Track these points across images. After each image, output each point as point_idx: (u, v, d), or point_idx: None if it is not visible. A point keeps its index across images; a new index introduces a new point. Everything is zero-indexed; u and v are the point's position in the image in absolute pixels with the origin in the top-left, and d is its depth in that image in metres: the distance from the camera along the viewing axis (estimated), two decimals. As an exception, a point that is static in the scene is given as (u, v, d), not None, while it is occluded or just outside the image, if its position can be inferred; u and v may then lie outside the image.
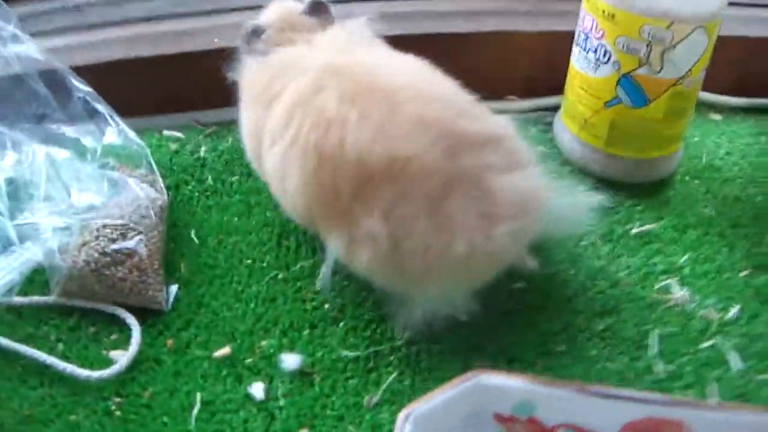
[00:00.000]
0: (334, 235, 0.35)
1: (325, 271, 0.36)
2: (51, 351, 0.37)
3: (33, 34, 0.48)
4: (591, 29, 0.44)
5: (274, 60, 0.40)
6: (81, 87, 0.47)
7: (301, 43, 0.41)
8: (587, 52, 0.45)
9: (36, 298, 0.39)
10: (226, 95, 0.43)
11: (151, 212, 0.41)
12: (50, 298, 0.39)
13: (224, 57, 0.44)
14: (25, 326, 0.38)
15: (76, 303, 0.39)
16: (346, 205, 0.34)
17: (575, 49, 0.47)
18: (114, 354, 0.36)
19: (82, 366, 0.35)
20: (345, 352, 0.36)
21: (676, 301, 0.39)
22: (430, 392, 0.28)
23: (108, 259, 0.38)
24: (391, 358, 0.36)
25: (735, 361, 0.36)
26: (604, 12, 0.43)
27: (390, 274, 0.35)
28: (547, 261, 0.42)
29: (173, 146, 0.50)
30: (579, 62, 0.46)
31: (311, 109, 0.35)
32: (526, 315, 0.39)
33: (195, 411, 0.34)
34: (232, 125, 0.48)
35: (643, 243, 0.44)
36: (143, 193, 0.43)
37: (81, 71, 0.47)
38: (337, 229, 0.35)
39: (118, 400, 0.34)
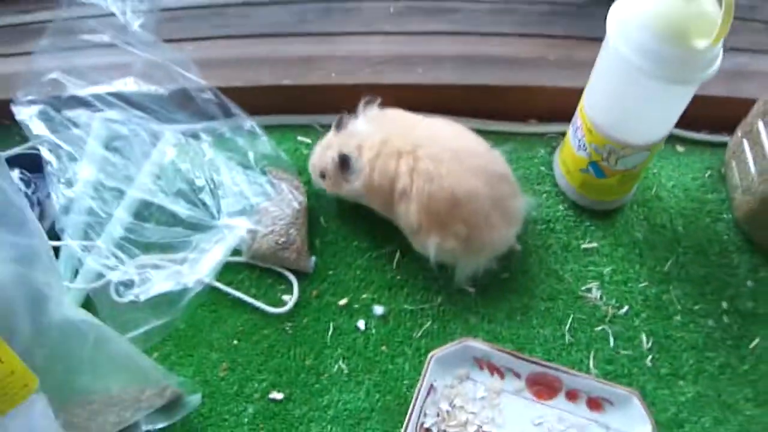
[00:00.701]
0: (433, 235, 0.71)
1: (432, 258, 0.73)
2: (247, 292, 0.77)
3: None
4: (579, 127, 0.76)
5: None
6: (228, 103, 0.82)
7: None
8: (575, 137, 0.77)
9: (237, 258, 0.79)
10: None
11: (300, 210, 0.79)
12: (244, 259, 0.79)
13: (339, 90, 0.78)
14: (230, 274, 0.78)
15: (260, 264, 0.79)
16: (443, 218, 0.70)
17: (571, 127, 0.79)
18: (285, 297, 0.77)
19: (268, 304, 0.77)
20: (406, 306, 0.77)
21: (592, 298, 0.78)
22: (444, 345, 0.70)
23: (279, 246, 0.77)
24: (429, 312, 0.76)
25: (611, 341, 0.76)
26: (586, 123, 0.74)
27: (461, 253, 0.72)
28: (524, 262, 0.81)
29: (305, 151, 0.86)
30: (571, 137, 0.79)
31: (422, 172, 0.70)
32: (505, 295, 0.77)
33: (329, 333, 0.75)
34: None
35: (586, 254, 0.81)
36: (292, 195, 0.80)
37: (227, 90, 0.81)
38: (435, 232, 0.71)
39: (289, 324, 0.75)
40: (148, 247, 0.76)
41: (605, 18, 0.68)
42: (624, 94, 0.68)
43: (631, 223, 0.83)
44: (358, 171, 0.73)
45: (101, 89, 0.83)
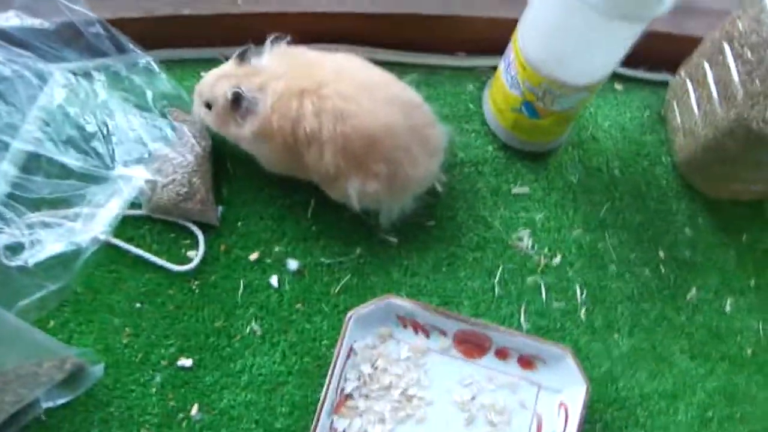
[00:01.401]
0: (352, 179, 0.64)
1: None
2: (149, 249, 0.69)
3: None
4: (512, 62, 0.69)
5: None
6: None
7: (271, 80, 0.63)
8: (508, 72, 0.70)
9: (136, 211, 0.70)
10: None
11: (204, 156, 0.71)
12: (143, 212, 0.71)
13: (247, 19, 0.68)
14: (128, 230, 0.69)
15: (161, 217, 0.71)
16: (361, 159, 0.63)
17: (502, 62, 0.72)
18: (190, 253, 0.69)
19: (172, 261, 0.69)
20: (323, 259, 0.70)
21: (522, 247, 0.73)
22: (365, 303, 0.64)
23: (181, 197, 0.68)
24: (347, 265, 0.70)
25: (543, 293, 0.72)
26: (519, 59, 0.67)
27: (385, 195, 0.66)
28: (450, 208, 0.74)
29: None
30: (503, 73, 0.72)
31: (330, 112, 0.62)
32: (429, 244, 0.71)
33: (240, 291, 0.68)
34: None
35: (516, 200, 0.75)
36: (194, 139, 0.71)
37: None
38: (354, 176, 0.64)
39: (196, 282, 0.68)
40: (37, 204, 0.68)
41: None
42: (565, 29, 0.61)
43: (565, 166, 0.78)
44: (254, 114, 0.64)
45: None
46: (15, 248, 0.65)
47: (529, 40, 0.66)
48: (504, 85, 0.72)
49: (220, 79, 0.66)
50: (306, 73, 0.64)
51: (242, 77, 0.65)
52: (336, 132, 0.62)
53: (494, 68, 0.76)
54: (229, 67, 0.67)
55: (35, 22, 0.72)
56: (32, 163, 0.70)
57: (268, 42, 0.66)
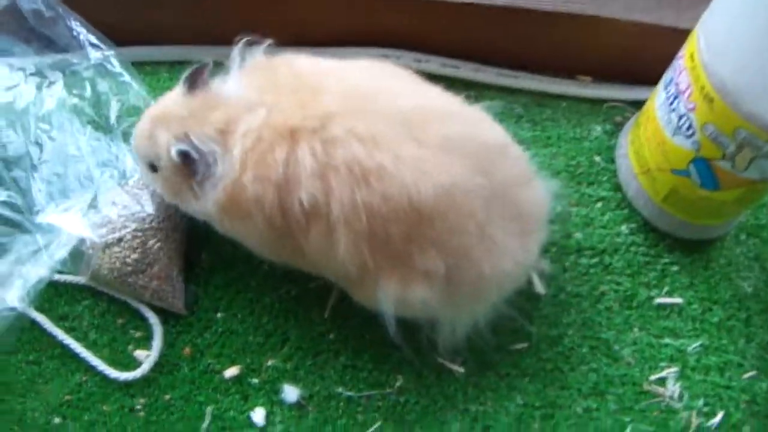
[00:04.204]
0: (385, 280, 0.38)
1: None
2: (85, 337, 0.45)
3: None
4: (684, 93, 0.40)
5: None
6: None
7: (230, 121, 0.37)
8: (672, 111, 0.41)
9: (71, 277, 0.46)
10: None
11: (171, 205, 0.45)
12: (82, 279, 0.46)
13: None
14: (61, 303, 0.46)
15: (104, 290, 0.46)
16: (399, 248, 0.37)
17: (661, 92, 0.43)
18: (138, 354, 0.44)
19: (111, 362, 0.44)
20: (341, 389, 0.43)
21: (665, 396, 0.43)
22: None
23: (130, 268, 0.43)
24: (380, 404, 0.43)
25: (692, 474, 0.42)
26: (703, 88, 0.38)
27: (442, 304, 0.39)
28: (555, 320, 0.45)
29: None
30: (661, 111, 0.43)
31: (343, 169, 0.35)
32: (515, 382, 0.44)
33: (205, 423, 0.42)
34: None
35: (661, 316, 0.46)
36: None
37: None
38: (388, 275, 0.38)
39: (142, 400, 0.43)
40: None
41: None
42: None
43: (736, 265, 0.49)
44: (217, 177, 0.38)
45: None
46: None
47: (726, 55, 0.37)
48: (660, 129, 0.43)
49: (158, 124, 0.39)
50: (300, 99, 0.37)
51: (192, 117, 0.38)
52: (355, 204, 0.35)
53: (638, 103, 0.52)
54: (173, 100, 0.40)
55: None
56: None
57: (234, 50, 0.40)
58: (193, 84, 0.39)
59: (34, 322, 0.47)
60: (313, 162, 0.36)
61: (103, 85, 0.50)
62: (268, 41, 0.40)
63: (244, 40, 0.40)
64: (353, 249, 0.36)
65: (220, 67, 0.41)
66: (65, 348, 0.46)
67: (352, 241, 0.36)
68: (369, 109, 0.37)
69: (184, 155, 0.37)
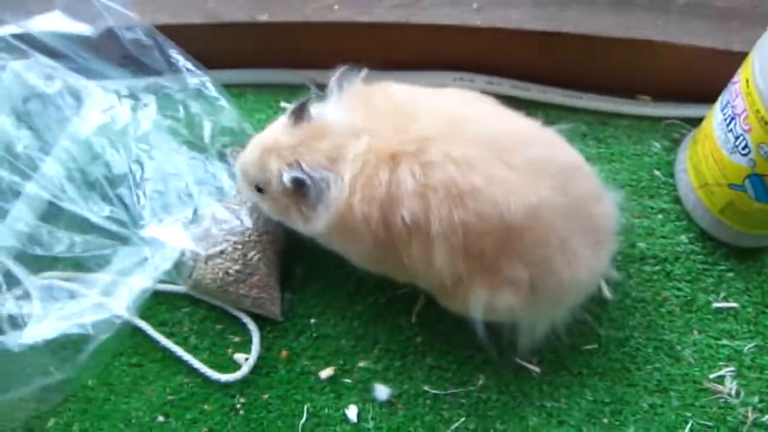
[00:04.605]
0: (475, 289, 0.41)
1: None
2: (185, 342, 0.49)
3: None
4: (740, 116, 0.43)
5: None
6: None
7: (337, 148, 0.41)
8: (729, 131, 0.45)
9: (172, 287, 0.49)
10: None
11: (269, 220, 0.48)
12: (183, 288, 0.49)
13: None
14: (162, 311, 0.50)
15: (203, 298, 0.49)
16: (490, 260, 0.40)
17: (718, 113, 0.46)
18: (238, 356, 0.48)
19: (212, 364, 0.47)
20: (427, 388, 0.47)
21: (723, 393, 0.47)
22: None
23: (231, 278, 0.47)
24: (464, 401, 0.46)
25: (751, 463, 0.45)
26: (758, 112, 0.41)
27: (526, 310, 0.43)
28: (622, 323, 0.49)
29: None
30: (718, 130, 0.46)
31: (441, 189, 0.39)
32: (586, 380, 0.47)
33: (302, 422, 0.46)
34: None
35: (719, 319, 0.49)
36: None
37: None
38: (479, 284, 0.41)
39: (242, 400, 0.47)
40: (48, 263, 0.50)
41: None
42: None
43: None
44: (330, 200, 0.41)
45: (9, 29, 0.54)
46: (15, 318, 0.48)
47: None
48: (718, 148, 0.46)
49: (269, 152, 0.43)
50: (397, 124, 0.41)
51: (302, 146, 0.42)
52: (452, 221, 0.39)
53: (696, 120, 0.54)
54: (280, 130, 0.44)
55: (78, 28, 0.55)
56: (51, 208, 0.51)
57: (332, 79, 0.43)
58: (299, 116, 0.43)
59: (136, 328, 0.50)
60: (414, 183, 0.39)
61: (195, 107, 0.53)
62: (365, 70, 0.43)
63: (343, 68, 0.44)
64: (449, 261, 0.40)
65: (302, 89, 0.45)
66: (166, 352, 0.49)
67: (448, 254, 0.40)
68: (461, 134, 0.40)
69: (298, 182, 0.41)
